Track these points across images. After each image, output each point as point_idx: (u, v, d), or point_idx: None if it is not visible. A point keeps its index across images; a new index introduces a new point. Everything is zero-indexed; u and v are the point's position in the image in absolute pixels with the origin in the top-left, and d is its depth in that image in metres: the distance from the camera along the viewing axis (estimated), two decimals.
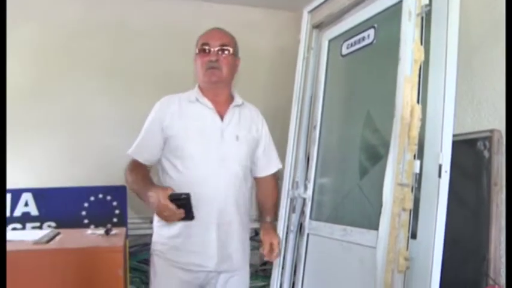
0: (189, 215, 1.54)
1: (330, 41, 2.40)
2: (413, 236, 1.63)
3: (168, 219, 1.57)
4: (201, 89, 1.85)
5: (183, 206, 1.52)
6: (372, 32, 2.06)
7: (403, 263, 1.57)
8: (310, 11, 2.55)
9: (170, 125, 1.77)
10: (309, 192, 2.29)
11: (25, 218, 3.03)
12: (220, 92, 1.84)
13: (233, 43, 1.86)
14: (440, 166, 1.57)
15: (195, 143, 1.75)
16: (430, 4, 1.74)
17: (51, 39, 3.22)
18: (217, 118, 1.80)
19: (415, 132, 1.63)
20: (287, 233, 2.38)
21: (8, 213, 3.00)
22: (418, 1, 1.74)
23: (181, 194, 1.53)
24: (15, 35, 3.09)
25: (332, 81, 2.34)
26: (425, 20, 1.76)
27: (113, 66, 3.33)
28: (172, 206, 1.51)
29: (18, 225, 3.01)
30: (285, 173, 2.44)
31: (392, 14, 1.90)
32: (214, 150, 1.75)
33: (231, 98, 1.88)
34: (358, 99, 2.13)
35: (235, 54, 1.86)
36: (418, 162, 1.65)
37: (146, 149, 1.81)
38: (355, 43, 2.17)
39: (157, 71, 3.34)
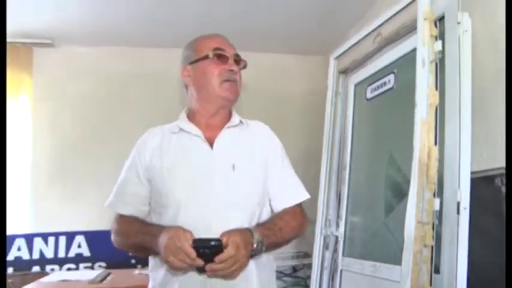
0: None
1: (355, 86, 2.55)
2: (437, 271, 1.71)
3: (177, 265, 1.22)
4: (191, 112, 1.53)
5: (206, 255, 1.21)
6: (392, 77, 2.19)
7: None
8: (336, 58, 2.71)
9: (151, 166, 1.44)
10: (341, 229, 2.39)
11: (78, 259, 3.29)
12: (221, 113, 1.51)
13: None
14: (458, 203, 1.65)
15: (180, 185, 1.38)
16: (443, 50, 1.86)
17: (101, 92, 3.52)
18: (206, 146, 1.43)
19: (432, 172, 1.73)
20: (321, 270, 2.47)
21: (63, 254, 3.27)
22: (431, 49, 1.86)
23: (210, 240, 1.22)
24: (69, 89, 3.42)
25: (359, 124, 2.47)
26: (440, 64, 1.88)
27: (158, 114, 3.57)
28: (190, 250, 1.19)
29: (73, 266, 3.26)
30: (318, 211, 2.55)
31: (410, 60, 2.02)
32: (205, 190, 1.37)
33: (228, 119, 1.52)
34: (382, 141, 2.25)
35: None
36: (437, 200, 1.73)
37: (132, 199, 1.46)
38: (377, 87, 2.31)
39: None
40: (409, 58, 2.04)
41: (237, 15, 3.07)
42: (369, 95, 2.38)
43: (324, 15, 3.13)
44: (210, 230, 1.30)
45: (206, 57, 1.47)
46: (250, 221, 1.39)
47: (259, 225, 1.38)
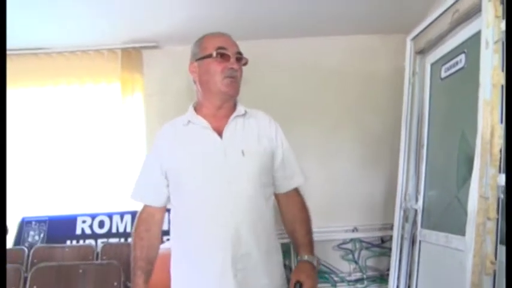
0: None
1: (432, 65, 2.63)
2: (504, 242, 1.81)
3: None
4: (198, 105, 1.67)
5: None
6: (463, 57, 2.25)
7: (490, 266, 1.76)
8: (413, 39, 2.79)
9: (169, 158, 1.60)
10: (420, 203, 2.54)
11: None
12: (225, 105, 1.64)
13: None
14: None
15: (194, 174, 1.54)
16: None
17: None
18: (215, 136, 1.57)
19: (496, 150, 1.81)
20: (401, 241, 2.64)
21: None
22: (496, 29, 1.92)
23: None
24: (174, 84, 3.70)
25: (435, 103, 2.56)
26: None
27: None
28: None
29: None
30: (398, 186, 2.71)
31: (478, 40, 2.07)
32: (217, 176, 1.52)
33: (233, 110, 1.66)
34: (455, 119, 2.33)
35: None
36: (503, 175, 1.82)
37: (157, 191, 1.64)
38: (450, 67, 2.38)
39: (287, 104, 3.67)
40: (478, 38, 2.09)
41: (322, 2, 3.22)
42: (443, 74, 2.46)
43: None
44: (227, 203, 1.52)
45: (210, 55, 1.60)
46: (260, 191, 1.58)
47: (310, 246, 1.65)
